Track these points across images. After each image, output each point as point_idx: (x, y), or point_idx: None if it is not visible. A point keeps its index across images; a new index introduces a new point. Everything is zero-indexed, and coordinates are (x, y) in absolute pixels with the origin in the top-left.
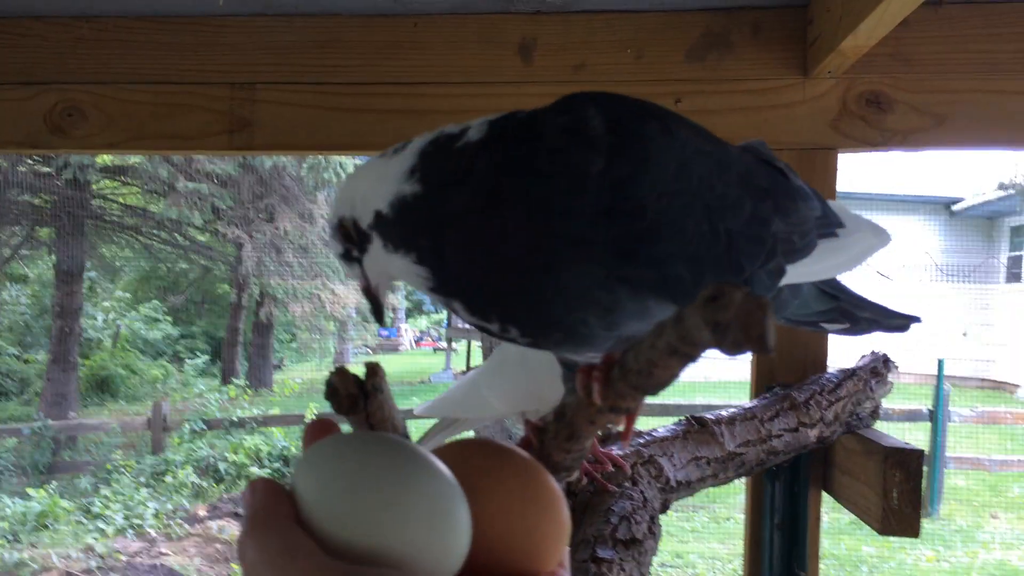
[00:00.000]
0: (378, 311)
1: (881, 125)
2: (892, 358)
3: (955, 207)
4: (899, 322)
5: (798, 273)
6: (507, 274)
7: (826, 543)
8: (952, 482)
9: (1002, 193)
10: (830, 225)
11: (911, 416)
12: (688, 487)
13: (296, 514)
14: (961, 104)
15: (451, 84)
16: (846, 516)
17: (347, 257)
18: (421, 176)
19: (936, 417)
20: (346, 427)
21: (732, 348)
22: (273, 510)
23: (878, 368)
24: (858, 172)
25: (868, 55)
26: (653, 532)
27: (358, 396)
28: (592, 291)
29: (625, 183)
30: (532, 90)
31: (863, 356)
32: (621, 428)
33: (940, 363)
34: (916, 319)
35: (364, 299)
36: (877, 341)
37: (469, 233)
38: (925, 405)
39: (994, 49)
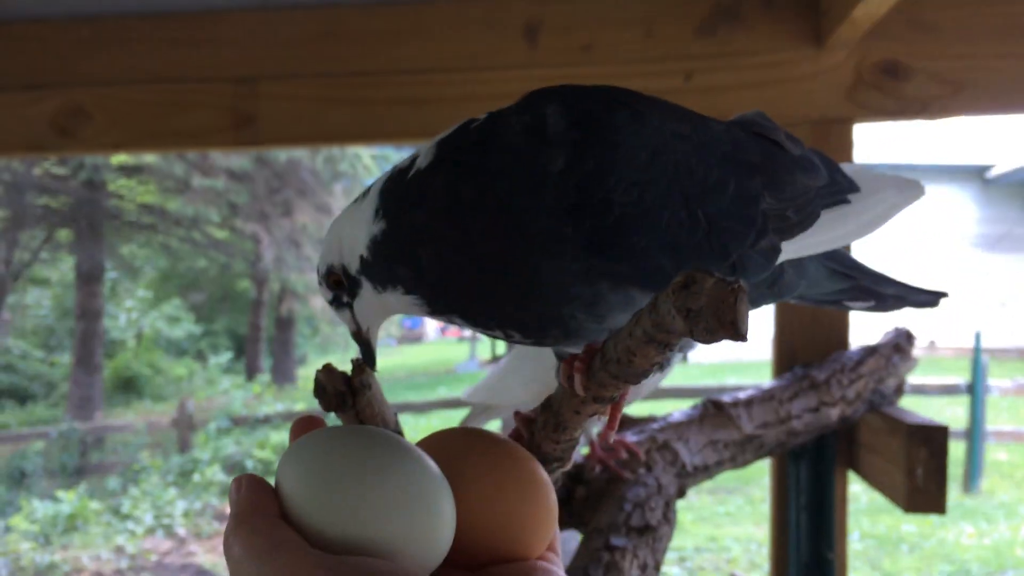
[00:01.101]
0: (369, 355)
1: (898, 94)
2: (926, 333)
3: (988, 174)
4: (926, 298)
5: (802, 247)
6: (486, 279)
7: (865, 522)
8: (993, 456)
9: None
10: (840, 192)
11: (948, 390)
12: (705, 471)
13: (280, 509)
14: (980, 70)
15: (456, 71)
16: (882, 496)
17: (337, 303)
18: (383, 213)
19: (974, 390)
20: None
21: (704, 335)
22: (257, 506)
23: (901, 344)
24: (885, 141)
25: (883, 22)
26: (668, 518)
27: (346, 393)
28: (572, 286)
29: (589, 178)
30: (539, 73)
31: (886, 333)
32: (606, 418)
33: (977, 335)
34: (944, 294)
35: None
36: (913, 317)
37: (437, 246)
38: (963, 379)
39: (1013, 12)
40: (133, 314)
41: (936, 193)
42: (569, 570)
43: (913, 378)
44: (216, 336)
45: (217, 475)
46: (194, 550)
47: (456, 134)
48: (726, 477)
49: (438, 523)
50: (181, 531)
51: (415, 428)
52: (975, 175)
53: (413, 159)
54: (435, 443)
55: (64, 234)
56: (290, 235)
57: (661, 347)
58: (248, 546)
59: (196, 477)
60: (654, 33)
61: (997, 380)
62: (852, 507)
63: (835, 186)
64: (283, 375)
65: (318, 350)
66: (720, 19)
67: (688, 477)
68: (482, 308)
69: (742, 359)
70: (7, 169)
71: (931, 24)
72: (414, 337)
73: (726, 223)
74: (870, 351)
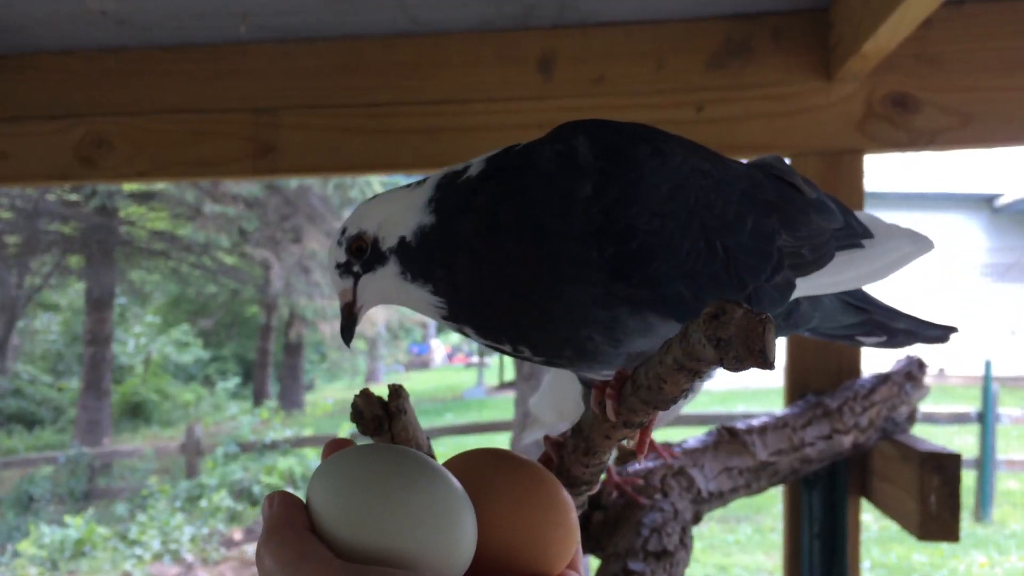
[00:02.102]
0: (349, 331)
1: (907, 126)
2: (935, 361)
3: (997, 203)
4: (937, 333)
5: (815, 285)
6: (512, 296)
7: (876, 552)
8: (1004, 485)
9: None
10: (854, 236)
11: (959, 419)
12: (720, 497)
13: (310, 522)
14: (988, 102)
15: (472, 102)
16: (895, 525)
17: (346, 270)
18: (436, 207)
19: (985, 419)
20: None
21: (734, 363)
22: (288, 519)
23: (913, 372)
24: (894, 171)
25: (892, 56)
26: (685, 543)
27: (383, 417)
28: (592, 309)
29: (614, 206)
30: (552, 104)
31: (898, 361)
32: (635, 443)
33: (987, 364)
34: (954, 329)
35: (340, 314)
36: (922, 345)
37: (474, 258)
38: (973, 407)
39: (1019, 46)
40: (142, 339)
41: (945, 222)
42: None
43: (923, 406)
44: (224, 361)
45: (224, 501)
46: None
47: (501, 155)
48: (736, 505)
49: (459, 538)
50: (188, 557)
51: None
52: (984, 203)
53: (467, 166)
54: (461, 463)
55: (75, 260)
56: (299, 261)
57: (691, 375)
58: (277, 557)
59: (203, 503)
60: (665, 66)
61: (1008, 409)
62: (863, 536)
63: (849, 230)
64: (291, 401)
65: (326, 376)
66: (730, 53)
67: (704, 503)
68: (500, 323)
69: (749, 387)
70: (20, 195)
71: (939, 57)
72: (422, 363)
73: (743, 256)
74: (882, 379)
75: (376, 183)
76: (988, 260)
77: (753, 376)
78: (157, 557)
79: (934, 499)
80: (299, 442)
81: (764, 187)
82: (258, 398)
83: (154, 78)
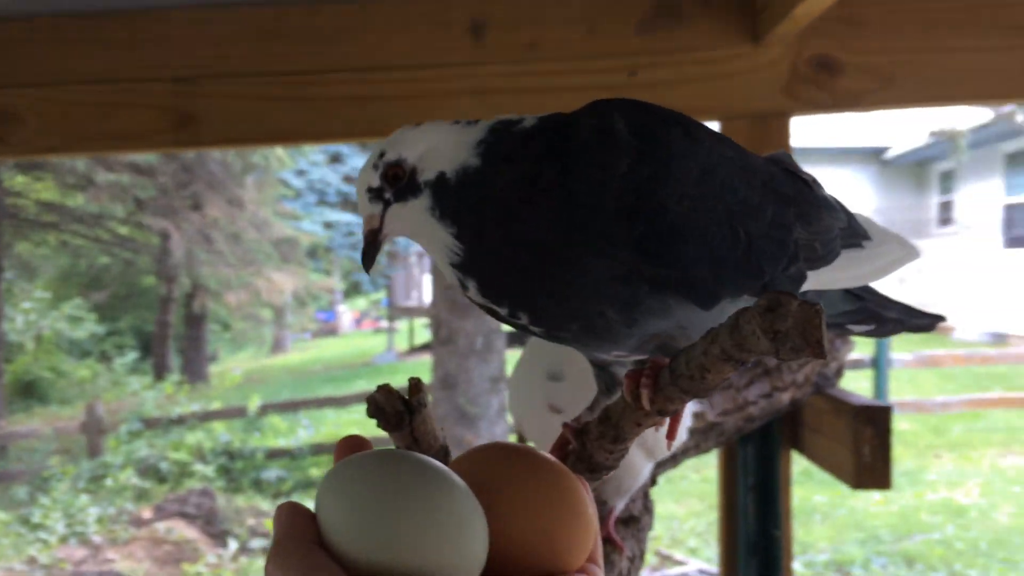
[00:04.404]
0: (371, 257)
1: (832, 88)
2: None
3: (885, 156)
4: (924, 321)
5: (821, 280)
6: (533, 258)
7: None
8: (897, 426)
9: (931, 140)
10: (856, 236)
11: (854, 365)
12: (673, 460)
13: (318, 535)
14: (907, 64)
15: (401, 68)
16: (796, 468)
17: (377, 195)
18: (484, 150)
19: (878, 364)
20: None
21: (791, 354)
22: (295, 532)
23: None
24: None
25: (817, 19)
26: (648, 508)
27: (403, 413)
28: (613, 285)
29: (648, 184)
30: (485, 71)
31: None
32: (667, 430)
33: None
34: (942, 318)
35: (363, 239)
36: None
37: (506, 212)
38: (867, 354)
39: (935, 7)
40: (31, 315)
41: (836, 176)
42: None
43: None
44: (121, 335)
45: (131, 479)
46: (111, 557)
47: (550, 117)
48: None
49: (470, 545)
50: (96, 538)
51: (337, 423)
52: (872, 157)
53: (522, 119)
54: (469, 462)
55: None
56: (201, 230)
57: (736, 364)
58: (283, 570)
59: (109, 482)
60: (596, 31)
61: (899, 354)
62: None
63: (852, 230)
64: (195, 374)
65: (230, 346)
66: (660, 17)
67: (660, 466)
68: (508, 284)
69: None
70: None
71: (860, 19)
72: (329, 330)
73: (763, 245)
74: None
75: (279, 150)
76: (879, 215)
77: None
78: (63, 540)
79: (868, 450)
80: (207, 416)
81: (782, 180)
82: (159, 372)
83: (66, 47)
